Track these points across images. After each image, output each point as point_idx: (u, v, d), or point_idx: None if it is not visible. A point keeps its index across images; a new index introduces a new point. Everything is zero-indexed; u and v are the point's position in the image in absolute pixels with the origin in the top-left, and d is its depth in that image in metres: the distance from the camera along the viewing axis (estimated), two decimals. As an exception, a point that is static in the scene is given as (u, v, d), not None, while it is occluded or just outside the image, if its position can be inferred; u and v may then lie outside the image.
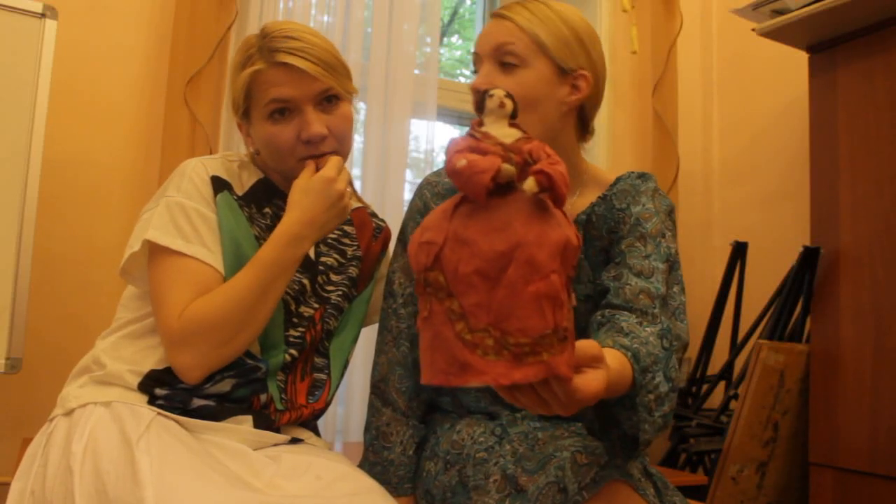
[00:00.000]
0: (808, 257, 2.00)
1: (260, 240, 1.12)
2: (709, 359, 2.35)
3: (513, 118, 0.70)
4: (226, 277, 1.08)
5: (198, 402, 1.05)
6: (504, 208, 0.65)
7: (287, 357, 1.13)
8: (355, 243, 1.28)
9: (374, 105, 2.16)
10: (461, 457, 1.11)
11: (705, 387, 2.31)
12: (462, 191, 0.67)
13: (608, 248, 1.13)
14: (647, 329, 0.99)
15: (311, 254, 1.22)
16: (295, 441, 1.14)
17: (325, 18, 2.14)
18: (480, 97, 0.71)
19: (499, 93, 0.69)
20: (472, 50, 1.15)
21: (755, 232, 2.45)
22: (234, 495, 0.89)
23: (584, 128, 1.18)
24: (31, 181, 1.58)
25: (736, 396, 2.06)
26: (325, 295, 1.21)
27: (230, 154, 1.21)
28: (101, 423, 0.98)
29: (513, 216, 0.64)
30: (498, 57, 1.10)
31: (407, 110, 2.18)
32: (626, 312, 1.02)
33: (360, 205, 1.34)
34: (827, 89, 2.00)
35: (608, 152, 2.55)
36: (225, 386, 1.07)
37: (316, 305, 1.19)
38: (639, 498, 0.98)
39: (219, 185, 1.12)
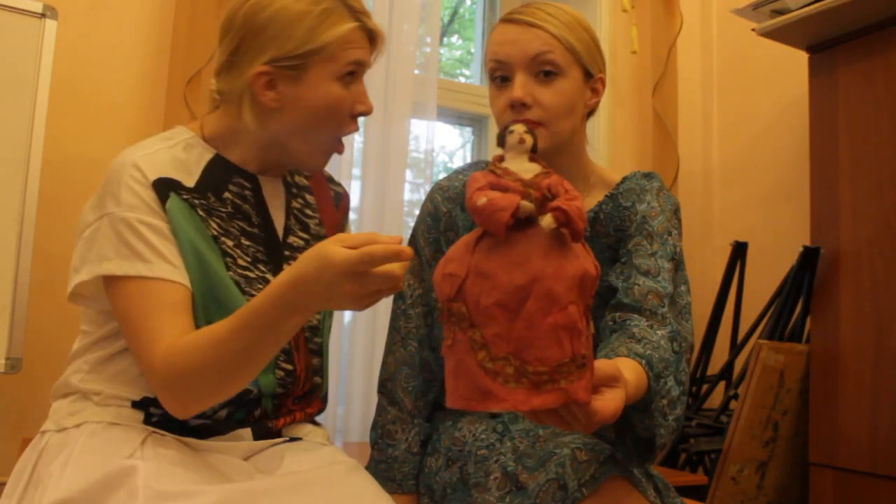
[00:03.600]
0: (808, 257, 2.00)
1: (220, 238, 1.02)
2: (709, 359, 2.35)
3: (533, 152, 0.73)
4: (204, 309, 0.98)
5: (195, 421, 1.01)
6: (524, 243, 0.68)
7: (279, 372, 1.07)
8: (316, 216, 1.19)
9: (374, 105, 2.14)
10: (462, 454, 1.11)
11: (705, 387, 2.31)
12: (482, 227, 0.69)
13: (615, 245, 1.15)
14: (657, 332, 1.01)
15: (280, 233, 1.11)
16: (293, 440, 1.12)
17: (325, 18, 2.14)
18: (503, 130, 0.73)
19: (519, 128, 0.71)
20: (493, 57, 1.12)
21: (755, 232, 2.45)
22: (223, 486, 0.89)
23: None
24: (31, 181, 1.57)
25: (736, 396, 2.06)
26: None
27: (170, 135, 1.06)
28: (94, 442, 0.95)
29: (532, 251, 0.67)
30: (534, 67, 1.09)
31: (407, 110, 2.18)
32: (636, 316, 1.04)
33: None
34: (827, 89, 2.00)
35: (608, 152, 2.55)
36: (220, 415, 1.03)
37: None
38: (638, 494, 0.99)
39: (164, 188, 0.98)
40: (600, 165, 1.25)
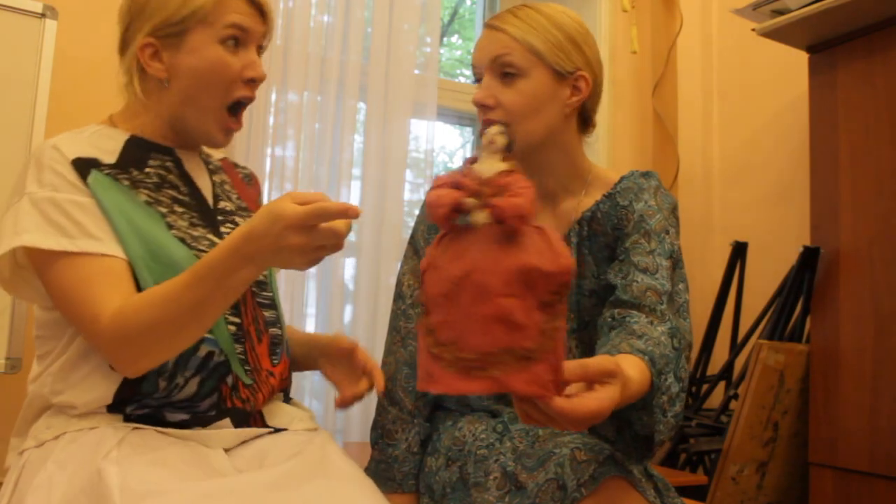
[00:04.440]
0: (808, 257, 2.00)
1: (152, 204, 1.03)
2: (709, 359, 2.35)
3: (508, 151, 0.75)
4: (133, 259, 0.98)
5: (172, 417, 1.00)
6: (468, 237, 0.73)
7: (231, 327, 1.05)
8: (235, 191, 1.22)
9: (374, 105, 2.16)
10: (462, 453, 1.12)
11: (705, 387, 2.31)
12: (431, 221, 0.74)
13: (613, 244, 1.15)
14: (658, 329, 1.01)
15: (210, 201, 1.14)
16: (277, 431, 1.09)
17: (325, 18, 2.14)
18: (481, 132, 0.78)
19: (492, 130, 0.75)
20: (472, 61, 1.19)
21: (755, 232, 2.45)
22: (200, 483, 0.88)
23: (585, 123, 1.20)
24: (31, 181, 1.58)
25: (736, 396, 2.06)
26: None
27: (79, 130, 1.08)
28: (73, 449, 0.95)
29: (471, 245, 0.72)
30: (496, 69, 1.13)
31: (407, 110, 2.19)
32: (635, 312, 1.04)
33: (223, 156, 1.28)
34: (827, 89, 2.00)
35: (608, 152, 2.56)
36: (192, 388, 1.01)
37: None
38: (637, 494, 0.99)
39: (83, 166, 1.00)
40: (599, 166, 1.25)
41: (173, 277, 0.93)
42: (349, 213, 0.85)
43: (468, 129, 2.65)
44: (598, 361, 0.79)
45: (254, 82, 1.09)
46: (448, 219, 0.72)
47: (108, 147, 1.05)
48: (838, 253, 1.93)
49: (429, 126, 2.24)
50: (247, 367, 1.06)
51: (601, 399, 0.77)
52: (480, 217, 0.71)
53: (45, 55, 1.61)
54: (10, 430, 1.07)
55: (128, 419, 0.99)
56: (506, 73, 1.12)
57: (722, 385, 2.30)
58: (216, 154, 1.25)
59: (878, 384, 1.80)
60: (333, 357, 1.16)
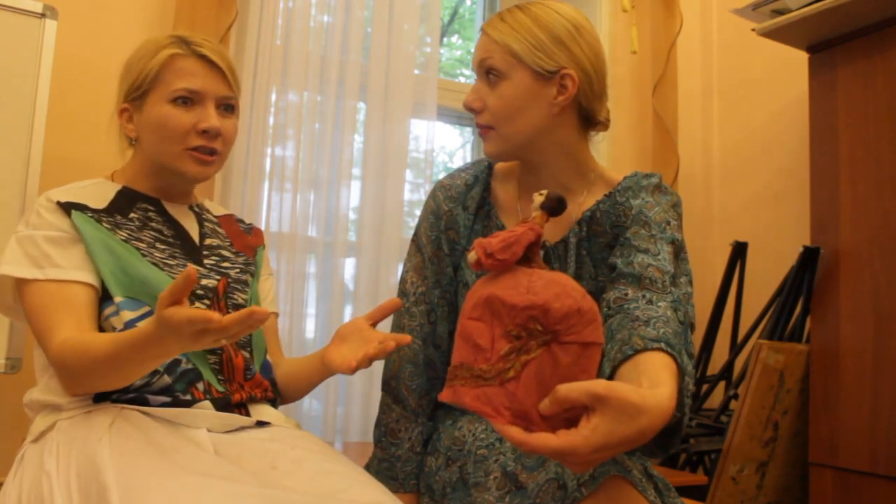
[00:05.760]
0: (808, 257, 2.00)
1: (130, 241, 1.14)
2: (709, 359, 2.35)
3: (552, 214, 0.86)
4: (103, 272, 1.09)
5: (154, 401, 1.07)
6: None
7: None
8: (229, 240, 1.31)
9: (374, 105, 2.16)
10: (462, 453, 1.11)
11: (705, 387, 2.31)
12: None
13: (612, 243, 1.15)
14: (660, 305, 0.99)
15: (196, 239, 1.24)
16: (261, 424, 1.13)
17: (325, 18, 2.14)
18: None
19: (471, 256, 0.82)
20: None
21: (755, 232, 2.45)
22: (195, 476, 0.89)
23: (587, 121, 1.17)
24: (31, 181, 1.58)
25: (736, 396, 2.06)
26: (224, 270, 1.22)
27: (81, 182, 1.22)
28: (69, 431, 1.00)
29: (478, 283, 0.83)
30: (482, 72, 1.16)
31: (407, 110, 2.18)
32: (631, 292, 1.02)
33: (226, 212, 1.38)
34: (827, 89, 2.00)
35: (608, 152, 2.55)
36: (165, 380, 1.08)
37: (217, 277, 1.20)
38: (637, 494, 0.98)
39: (67, 207, 1.13)
40: (603, 166, 1.24)
41: (104, 334, 1.03)
42: (212, 323, 0.81)
43: (468, 129, 2.65)
44: (581, 388, 0.72)
45: (207, 133, 1.17)
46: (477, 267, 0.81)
47: (100, 197, 1.18)
48: (838, 253, 1.93)
49: (429, 126, 2.24)
50: (220, 377, 1.13)
51: (571, 436, 0.71)
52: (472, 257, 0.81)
53: (45, 55, 1.61)
54: (11, 430, 1.08)
55: (114, 402, 1.06)
56: (491, 75, 1.14)
57: (722, 385, 2.30)
58: (217, 210, 1.36)
59: (878, 384, 1.80)
60: (353, 328, 1.16)
